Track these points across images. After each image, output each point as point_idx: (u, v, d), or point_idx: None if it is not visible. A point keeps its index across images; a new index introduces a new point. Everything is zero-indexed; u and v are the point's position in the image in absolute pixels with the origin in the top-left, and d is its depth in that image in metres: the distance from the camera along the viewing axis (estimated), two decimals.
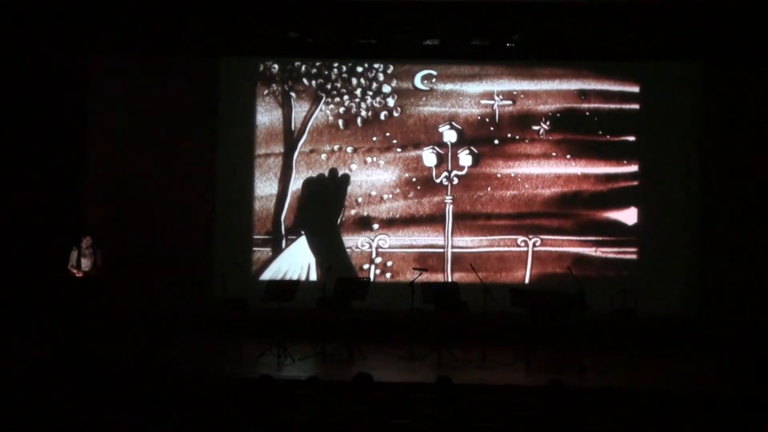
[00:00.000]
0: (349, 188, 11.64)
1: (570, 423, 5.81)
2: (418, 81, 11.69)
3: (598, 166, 11.56)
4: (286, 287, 10.19)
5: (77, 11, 10.67)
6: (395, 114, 11.67)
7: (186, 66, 11.57)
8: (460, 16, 10.67)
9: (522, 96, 11.64)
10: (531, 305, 9.79)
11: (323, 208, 11.64)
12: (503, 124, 11.63)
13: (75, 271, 10.11)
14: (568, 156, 11.57)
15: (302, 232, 11.62)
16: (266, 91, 11.74)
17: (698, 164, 11.42)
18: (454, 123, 11.64)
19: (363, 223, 11.63)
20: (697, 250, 11.34)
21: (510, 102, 11.64)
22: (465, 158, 11.61)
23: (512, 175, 11.60)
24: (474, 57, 11.53)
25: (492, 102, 11.65)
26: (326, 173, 11.62)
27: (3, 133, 11.21)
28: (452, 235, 11.56)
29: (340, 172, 11.59)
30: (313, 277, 11.55)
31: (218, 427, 5.70)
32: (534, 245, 11.52)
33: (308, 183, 11.63)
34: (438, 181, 11.62)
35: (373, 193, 11.63)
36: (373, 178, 11.64)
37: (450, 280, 11.35)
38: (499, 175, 11.61)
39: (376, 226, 11.61)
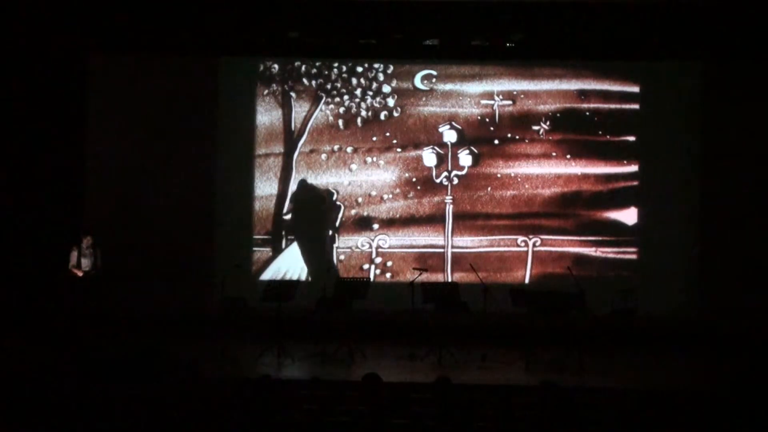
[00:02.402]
0: (349, 188, 11.64)
1: (567, 423, 5.81)
2: (418, 81, 11.69)
3: (598, 166, 11.56)
4: (286, 287, 10.19)
5: (77, 11, 10.67)
6: (395, 114, 11.67)
7: (186, 66, 11.57)
8: (460, 16, 10.67)
9: (522, 96, 11.64)
10: (531, 305, 9.79)
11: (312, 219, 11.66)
12: (503, 124, 11.63)
13: (76, 270, 10.11)
14: (568, 156, 11.57)
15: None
16: (266, 91, 11.74)
17: (698, 164, 11.42)
18: (454, 123, 11.64)
19: (363, 223, 11.62)
20: (696, 249, 11.34)
21: (510, 102, 11.63)
22: (465, 158, 11.61)
23: (512, 175, 11.60)
24: (474, 57, 11.53)
25: (492, 102, 11.64)
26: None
27: (3, 133, 11.21)
28: (452, 235, 11.56)
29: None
30: None
31: (218, 427, 5.70)
32: (534, 245, 11.52)
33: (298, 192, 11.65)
34: (438, 181, 11.62)
35: (373, 193, 11.63)
36: (373, 178, 11.64)
37: (450, 280, 11.34)
38: (499, 175, 11.61)
39: (376, 226, 11.61)
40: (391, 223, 11.61)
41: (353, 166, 11.65)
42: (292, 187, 11.66)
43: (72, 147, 11.42)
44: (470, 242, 11.56)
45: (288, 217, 11.62)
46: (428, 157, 11.64)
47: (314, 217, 11.65)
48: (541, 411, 6.06)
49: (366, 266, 11.60)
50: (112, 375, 7.34)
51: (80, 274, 10.11)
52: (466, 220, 11.59)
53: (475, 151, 11.62)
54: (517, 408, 6.25)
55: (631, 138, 11.57)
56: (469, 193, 11.61)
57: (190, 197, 11.47)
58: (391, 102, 11.68)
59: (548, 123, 11.59)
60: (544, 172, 11.58)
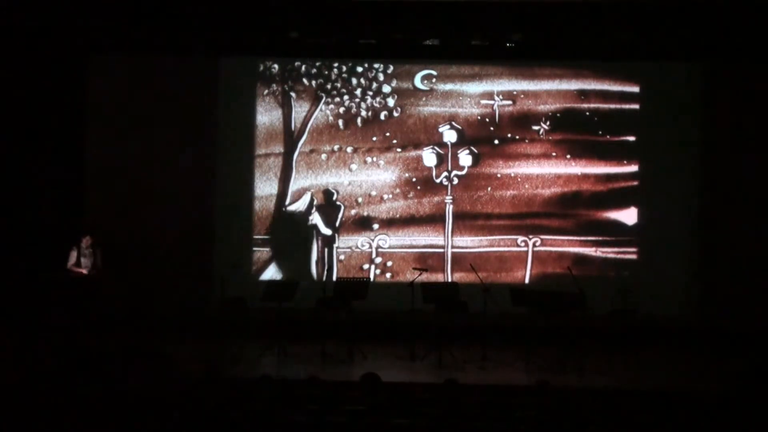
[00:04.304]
0: (349, 188, 11.64)
1: (567, 423, 5.80)
2: (418, 81, 11.69)
3: (598, 166, 11.56)
4: (286, 287, 10.20)
5: (77, 11, 10.67)
6: (395, 114, 11.67)
7: (186, 66, 11.57)
8: (460, 16, 10.67)
9: (522, 96, 11.64)
10: (531, 305, 9.79)
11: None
12: (503, 124, 11.63)
13: (77, 269, 10.10)
14: (568, 156, 11.58)
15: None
16: (266, 91, 11.74)
17: (698, 164, 11.42)
18: (454, 123, 11.64)
19: (363, 223, 11.63)
20: (697, 249, 11.34)
21: (510, 102, 11.64)
22: (465, 158, 11.61)
23: (512, 175, 11.60)
24: (474, 57, 11.53)
25: (492, 102, 11.65)
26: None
27: (3, 133, 11.21)
28: (452, 235, 11.56)
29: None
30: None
31: (218, 427, 5.70)
32: (534, 245, 11.52)
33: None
34: (438, 181, 11.62)
35: (373, 193, 11.63)
36: (373, 178, 11.64)
37: (450, 280, 11.35)
38: (499, 175, 11.61)
39: (376, 226, 11.61)
40: (391, 223, 11.61)
41: (353, 166, 11.66)
42: (293, 186, 11.65)
43: (72, 147, 11.42)
44: (470, 242, 11.56)
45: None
46: (428, 157, 11.64)
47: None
48: (540, 411, 6.07)
49: (366, 266, 11.60)
50: (107, 373, 7.34)
51: (82, 272, 10.09)
52: (466, 220, 11.59)
53: (475, 151, 11.62)
54: (517, 408, 6.25)
55: (631, 138, 11.57)
56: (469, 193, 11.61)
57: (190, 197, 11.47)
58: (391, 102, 11.68)
59: (548, 123, 11.59)
60: (544, 172, 11.58)
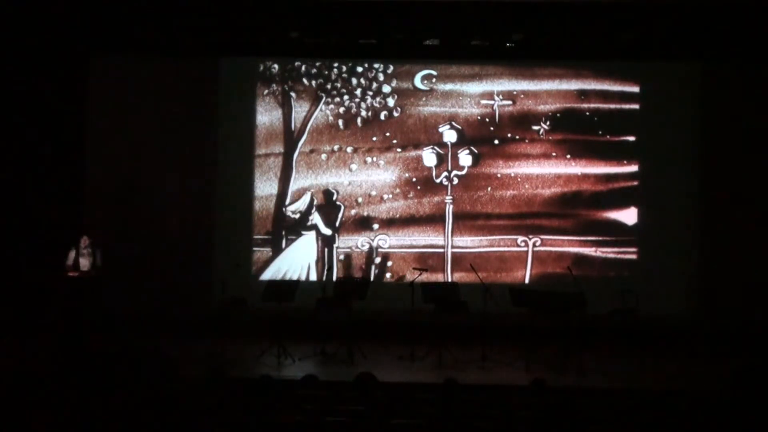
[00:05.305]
0: (349, 188, 11.64)
1: (566, 422, 5.80)
2: (418, 81, 11.69)
3: (598, 166, 11.56)
4: (286, 287, 10.19)
5: (77, 11, 10.67)
6: (395, 114, 11.67)
7: (186, 66, 11.58)
8: (460, 16, 10.67)
9: (522, 96, 11.64)
10: (531, 305, 9.79)
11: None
12: (503, 124, 11.63)
13: (71, 270, 10.07)
14: (568, 156, 11.58)
15: (302, 233, 11.65)
16: (266, 91, 11.74)
17: (698, 164, 11.43)
18: (454, 123, 11.64)
19: (363, 223, 11.63)
20: (697, 249, 11.35)
21: (510, 102, 11.64)
22: (465, 158, 11.61)
23: (512, 175, 11.60)
24: (474, 57, 11.53)
25: (492, 102, 11.65)
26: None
27: (3, 133, 11.21)
28: (452, 235, 11.56)
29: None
30: (313, 277, 11.56)
31: (218, 427, 5.70)
32: (534, 245, 11.52)
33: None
34: (438, 181, 11.62)
35: (373, 193, 11.63)
36: (373, 178, 11.64)
37: (450, 280, 11.34)
38: (499, 175, 11.61)
39: (376, 226, 11.61)
40: (391, 223, 11.61)
41: (353, 166, 11.66)
42: (293, 186, 11.66)
43: (72, 147, 11.42)
44: (470, 242, 11.56)
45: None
46: (428, 157, 11.64)
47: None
48: (539, 411, 6.07)
49: (366, 266, 11.60)
50: (106, 375, 7.34)
51: (78, 274, 10.08)
52: (466, 220, 11.59)
53: (475, 151, 11.62)
54: (517, 408, 6.25)
55: (631, 138, 11.57)
56: (469, 193, 11.61)
57: (190, 197, 11.48)
58: (391, 102, 11.68)
59: (548, 123, 11.59)
60: (544, 172, 11.59)
